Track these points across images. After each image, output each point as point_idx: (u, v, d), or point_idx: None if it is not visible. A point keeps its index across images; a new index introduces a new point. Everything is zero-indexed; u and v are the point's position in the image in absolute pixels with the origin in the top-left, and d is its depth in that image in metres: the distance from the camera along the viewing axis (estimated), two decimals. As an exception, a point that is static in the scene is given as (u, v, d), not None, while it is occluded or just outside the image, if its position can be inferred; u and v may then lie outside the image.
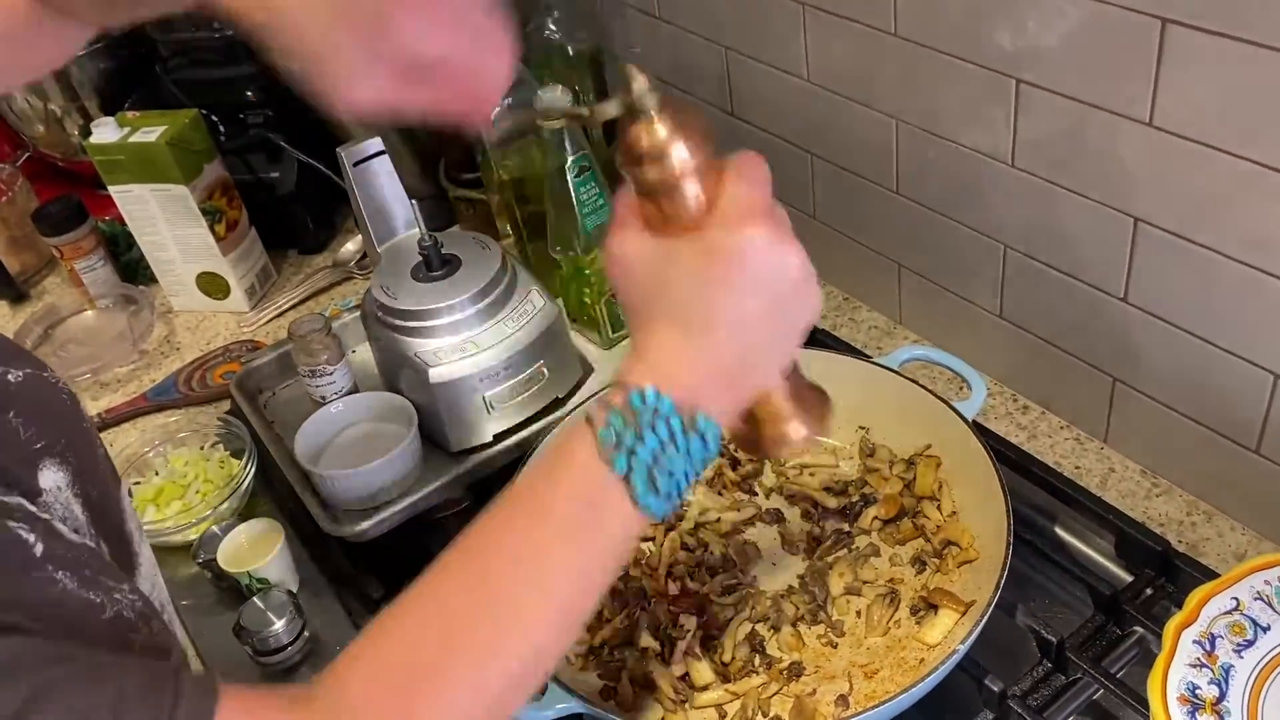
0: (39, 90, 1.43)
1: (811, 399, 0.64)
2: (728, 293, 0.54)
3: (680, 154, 0.54)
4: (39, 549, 0.48)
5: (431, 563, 0.53)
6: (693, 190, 0.55)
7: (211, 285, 1.32)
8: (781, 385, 0.61)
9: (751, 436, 0.62)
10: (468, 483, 1.01)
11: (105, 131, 1.24)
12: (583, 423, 0.53)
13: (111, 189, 1.26)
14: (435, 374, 0.97)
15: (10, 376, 0.57)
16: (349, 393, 1.04)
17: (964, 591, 0.80)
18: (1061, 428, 1.00)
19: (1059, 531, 0.90)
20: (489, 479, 1.01)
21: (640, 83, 0.54)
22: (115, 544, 0.60)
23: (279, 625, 0.91)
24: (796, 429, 0.62)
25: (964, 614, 0.78)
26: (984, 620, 0.72)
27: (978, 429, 0.85)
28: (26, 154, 1.53)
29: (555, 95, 0.98)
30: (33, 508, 0.51)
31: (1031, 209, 0.91)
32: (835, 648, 0.80)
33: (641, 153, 0.54)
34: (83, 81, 1.43)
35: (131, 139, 1.22)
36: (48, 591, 0.47)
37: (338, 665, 0.51)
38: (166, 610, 0.68)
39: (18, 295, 1.44)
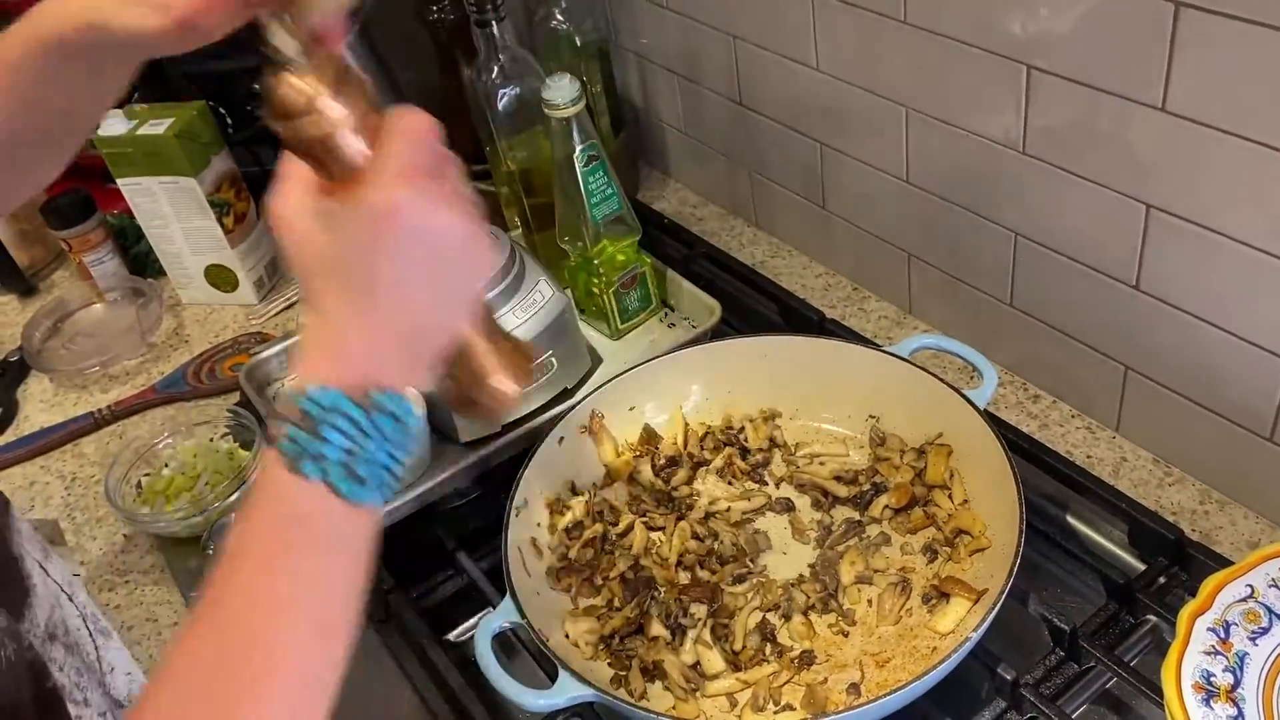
0: (47, 84, 1.43)
1: (511, 351, 0.63)
2: (383, 256, 0.52)
3: (328, 107, 0.51)
4: None
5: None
6: (349, 146, 0.52)
7: (220, 278, 1.32)
8: (479, 344, 0.60)
9: (466, 400, 0.62)
10: (477, 473, 1.01)
11: (113, 124, 1.24)
12: (267, 448, 0.51)
13: (120, 181, 1.26)
14: (444, 364, 0.97)
15: None
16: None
17: (976, 580, 0.80)
18: (1073, 416, 1.00)
19: (1071, 520, 0.90)
20: (498, 469, 1.01)
21: (279, 35, 0.52)
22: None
23: (289, 615, 0.91)
24: (503, 383, 0.61)
25: (976, 602, 0.78)
26: (997, 608, 0.72)
27: (989, 417, 0.85)
28: (34, 148, 1.53)
29: (564, 85, 0.97)
30: None
31: (1042, 196, 0.90)
32: (846, 636, 0.80)
33: (286, 107, 0.51)
34: (90, 75, 1.43)
35: (139, 131, 1.22)
36: None
37: None
38: (75, 632, 0.69)
39: (27, 289, 1.44)
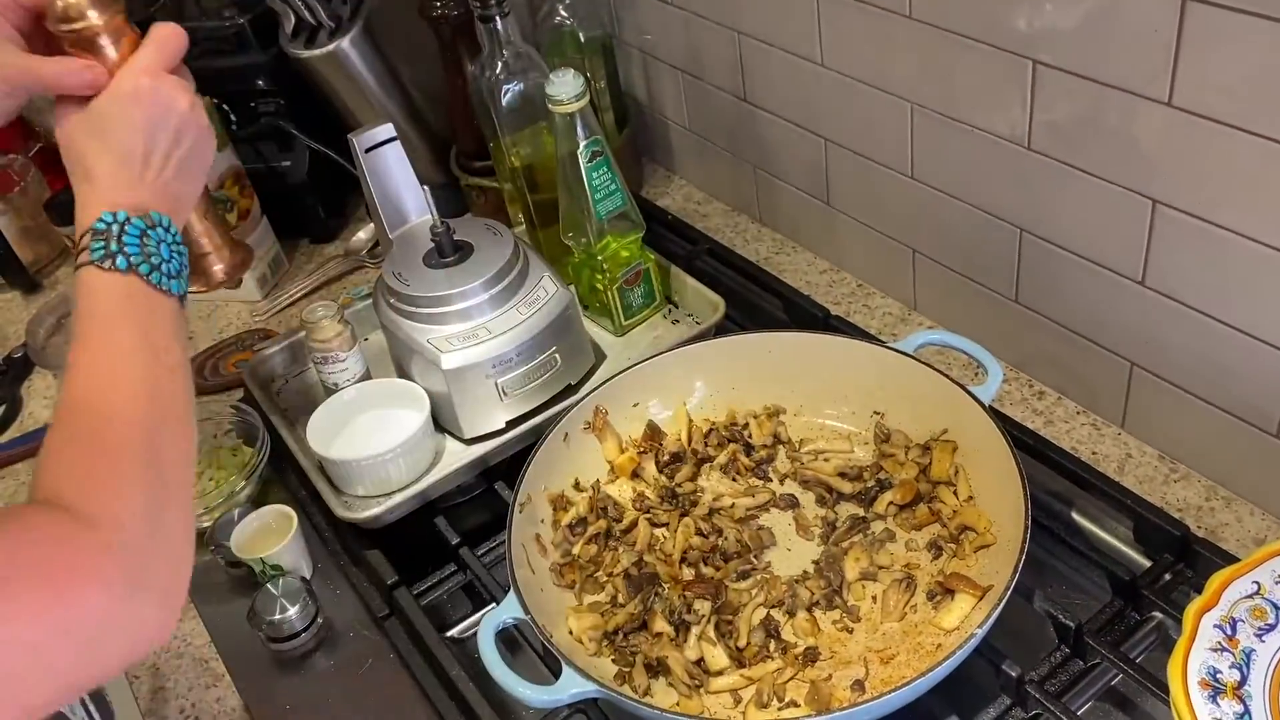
0: (51, 80, 1.43)
1: (234, 247, 0.83)
2: (134, 126, 0.67)
3: (92, 15, 0.70)
4: None
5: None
6: (106, 47, 0.71)
7: (223, 274, 1.32)
8: (196, 224, 0.78)
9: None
10: (480, 469, 1.01)
11: (117, 120, 1.23)
12: (78, 270, 0.64)
13: (123, 178, 1.26)
14: (447, 360, 0.97)
15: None
16: (361, 379, 1.04)
17: (981, 576, 0.79)
18: (1078, 413, 1.00)
19: (1076, 517, 0.89)
20: (500, 466, 1.01)
21: None
22: None
23: (292, 612, 0.91)
24: (214, 265, 0.81)
25: (981, 599, 0.77)
26: (1002, 604, 0.72)
27: (994, 414, 0.84)
28: (39, 145, 1.53)
29: (568, 80, 0.97)
30: None
31: (1048, 192, 0.90)
32: (851, 633, 0.80)
33: (65, 15, 0.71)
34: (94, 71, 1.43)
35: (143, 127, 1.22)
36: None
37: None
38: None
39: (31, 285, 1.44)
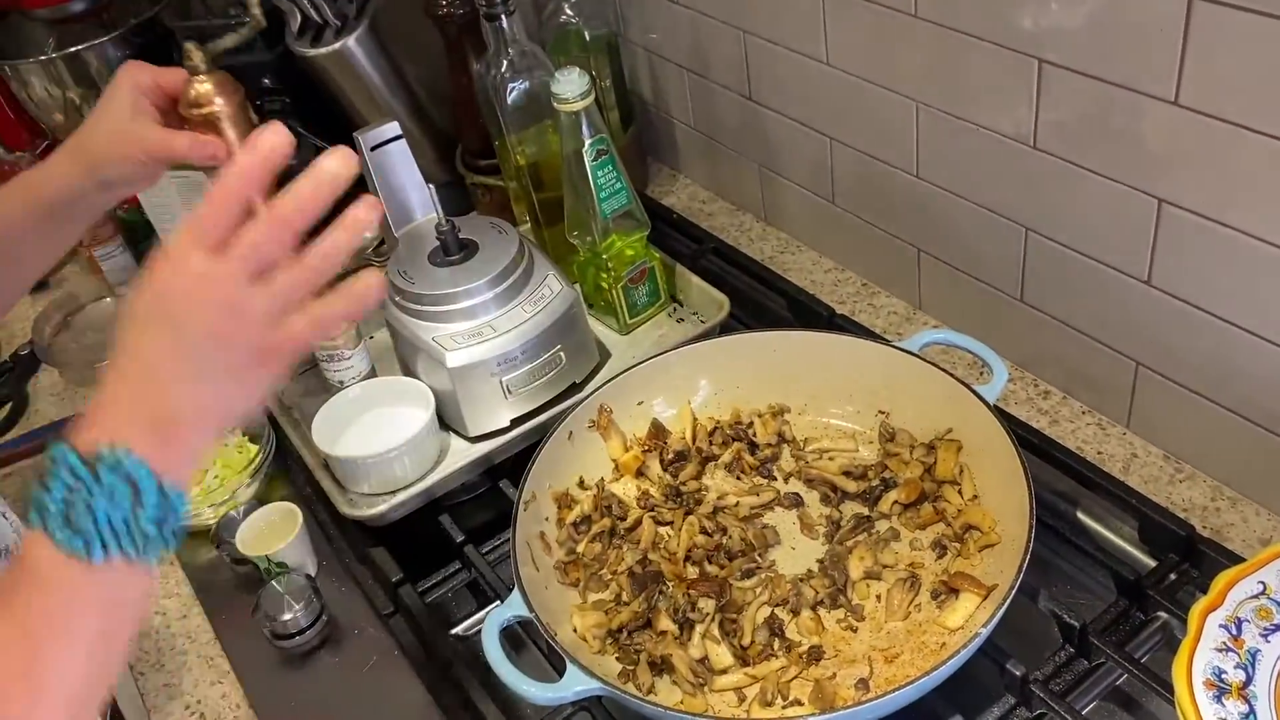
0: (57, 79, 1.43)
1: None
2: (135, 319, 0.54)
3: (218, 101, 0.81)
4: None
5: None
6: (230, 128, 0.82)
7: (229, 272, 1.32)
8: None
9: None
10: (485, 467, 1.01)
11: (123, 118, 1.24)
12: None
13: (130, 176, 1.26)
14: (452, 358, 0.97)
15: None
16: (366, 377, 1.04)
17: (985, 576, 0.79)
18: (1083, 413, 0.99)
19: (1081, 517, 0.89)
20: (505, 464, 1.01)
21: (193, 55, 0.81)
22: None
23: (298, 609, 0.91)
24: None
25: (985, 598, 0.77)
26: (1007, 603, 0.72)
27: (999, 413, 0.84)
28: (46, 142, 1.53)
29: (573, 78, 0.97)
30: None
31: (1053, 191, 0.90)
32: (855, 632, 0.80)
33: (191, 99, 0.81)
34: (100, 70, 1.43)
35: (149, 125, 1.22)
36: None
37: None
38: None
39: (37, 284, 1.44)
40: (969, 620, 0.77)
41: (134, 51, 1.44)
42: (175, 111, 0.84)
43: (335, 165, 0.56)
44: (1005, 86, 0.89)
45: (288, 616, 0.91)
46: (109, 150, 0.81)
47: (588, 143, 1.00)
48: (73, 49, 1.41)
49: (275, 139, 0.55)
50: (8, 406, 1.25)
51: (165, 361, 0.53)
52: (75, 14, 1.42)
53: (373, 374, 1.05)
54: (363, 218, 0.58)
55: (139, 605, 0.55)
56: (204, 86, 0.85)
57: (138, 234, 1.40)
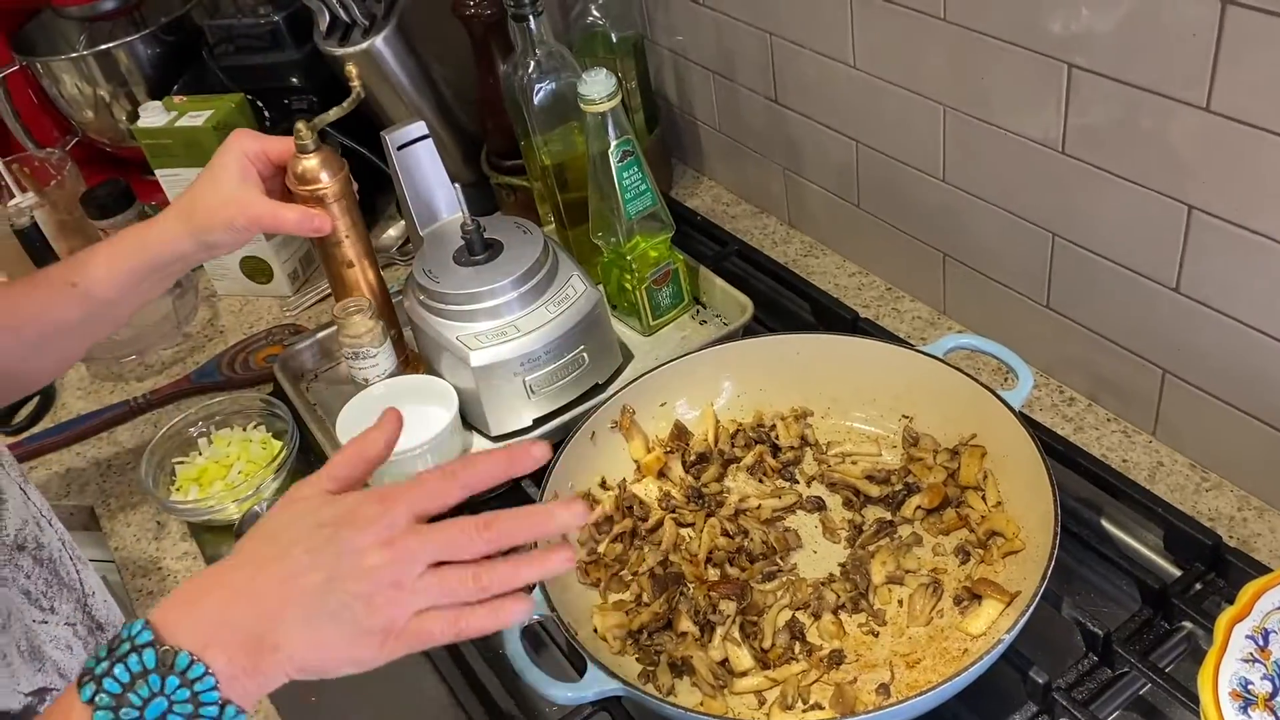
0: (88, 76, 1.45)
1: None
2: (262, 535, 0.55)
3: (324, 177, 0.94)
4: None
5: None
6: (334, 202, 0.95)
7: (255, 270, 1.33)
8: None
9: None
10: (507, 467, 1.01)
11: (153, 115, 1.25)
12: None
13: (158, 172, 1.28)
14: (476, 357, 0.98)
15: None
16: (391, 375, 1.05)
17: (1009, 582, 0.79)
18: (1108, 420, 0.99)
19: (1105, 525, 0.89)
20: (528, 463, 1.01)
21: (303, 133, 0.92)
22: None
23: (319, 604, 0.92)
24: None
25: (1009, 604, 0.77)
26: (1031, 610, 0.71)
27: (1024, 419, 0.84)
28: (75, 139, 1.55)
29: (600, 79, 0.97)
30: None
31: (1081, 197, 0.89)
32: (876, 636, 0.80)
33: (299, 175, 0.93)
34: (130, 67, 1.45)
35: (179, 123, 1.24)
36: None
37: None
38: (52, 550, 0.76)
39: (65, 278, 1.45)
40: (991, 627, 0.77)
41: (164, 49, 1.46)
42: (279, 178, 0.93)
43: (568, 519, 0.57)
44: (1034, 91, 0.88)
45: (309, 612, 0.92)
46: (218, 217, 0.88)
47: (613, 144, 1.00)
48: (103, 46, 1.43)
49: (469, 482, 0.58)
50: (35, 400, 1.26)
51: (283, 586, 0.53)
52: (106, 12, 1.44)
53: (397, 372, 1.06)
54: (557, 568, 0.58)
55: None
56: (311, 163, 0.94)
57: (165, 230, 1.41)
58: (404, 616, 0.53)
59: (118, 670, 0.50)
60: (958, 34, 0.92)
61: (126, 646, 0.50)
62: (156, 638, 0.51)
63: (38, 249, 1.41)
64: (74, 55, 1.44)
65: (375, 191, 1.44)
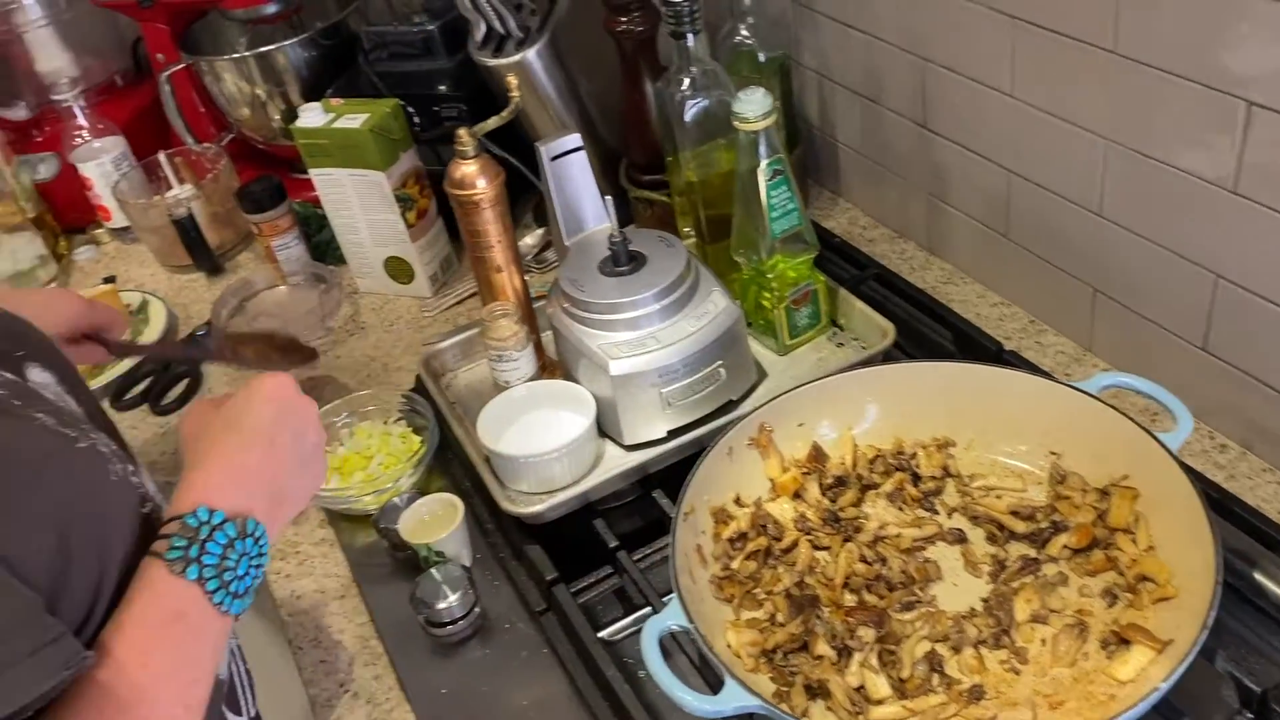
0: (247, 75, 1.51)
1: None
2: (264, 419, 0.70)
3: (481, 186, 1.01)
4: (17, 401, 0.62)
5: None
6: (489, 213, 1.02)
7: (398, 270, 1.37)
8: None
9: None
10: (638, 476, 1.02)
11: (311, 116, 1.30)
12: (149, 556, 0.61)
13: (312, 171, 1.32)
14: (615, 366, 0.99)
15: None
16: (531, 379, 1.07)
17: (1159, 629, 0.77)
18: (1264, 470, 0.95)
19: (1259, 578, 0.85)
20: (659, 474, 1.02)
21: (464, 139, 0.98)
22: (113, 438, 0.70)
23: (453, 599, 0.94)
24: None
25: (1160, 652, 0.75)
26: (1189, 660, 0.69)
27: (1183, 463, 0.81)
28: (230, 135, 1.62)
29: (756, 98, 0.98)
30: (13, 376, 0.65)
31: (1252, 239, 0.87)
32: (1018, 674, 0.78)
33: (459, 181, 1.01)
34: (287, 69, 1.51)
35: (336, 124, 1.28)
36: (25, 427, 0.60)
37: None
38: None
39: (215, 268, 1.52)
40: (1141, 674, 0.75)
41: (320, 53, 1.51)
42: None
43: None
44: (1206, 127, 0.86)
45: (443, 605, 0.94)
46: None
47: (764, 162, 1.01)
48: (264, 49, 1.49)
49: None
50: (185, 382, 1.32)
51: (277, 451, 0.69)
52: (268, 15, 1.50)
53: (537, 376, 1.07)
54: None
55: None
56: (470, 169, 0.97)
57: (311, 226, 1.46)
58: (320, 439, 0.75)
59: (210, 547, 0.61)
60: (1126, 66, 0.90)
61: (206, 529, 0.61)
62: (228, 514, 0.63)
63: (192, 238, 1.48)
64: (236, 56, 1.51)
65: (513, 200, 1.47)
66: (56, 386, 0.70)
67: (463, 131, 0.95)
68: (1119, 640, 0.77)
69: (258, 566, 0.64)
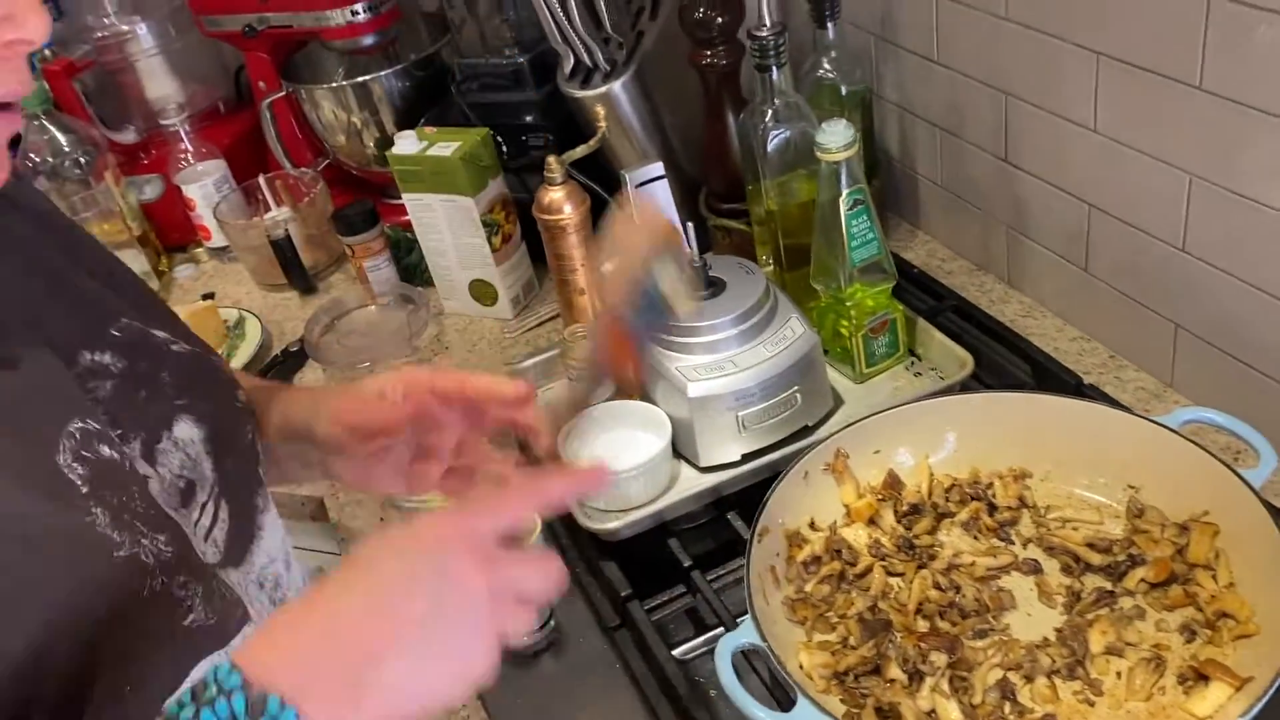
0: (344, 104, 1.57)
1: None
2: (392, 576, 0.51)
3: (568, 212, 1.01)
4: (85, 488, 0.55)
5: None
6: (573, 238, 1.04)
7: (482, 292, 1.41)
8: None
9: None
10: (713, 498, 1.04)
11: (406, 144, 1.35)
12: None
13: (405, 196, 1.37)
14: (693, 389, 1.01)
15: (175, 348, 0.69)
16: (609, 399, 1.09)
17: (1239, 667, 0.76)
18: (1351, 513, 0.93)
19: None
20: (733, 497, 1.03)
21: (554, 167, 0.97)
22: (237, 505, 0.68)
23: (530, 611, 0.96)
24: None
25: (1239, 689, 0.74)
26: (1268, 697, 0.68)
27: (1265, 501, 0.81)
28: (326, 161, 1.68)
29: (839, 129, 1.00)
30: (125, 447, 0.60)
31: (1340, 275, 0.86)
32: (1093, 706, 0.78)
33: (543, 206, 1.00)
34: (382, 98, 1.57)
35: (429, 152, 1.33)
36: (73, 519, 0.54)
37: None
38: (270, 584, 0.73)
39: (309, 287, 1.58)
40: (1219, 711, 0.74)
41: (413, 83, 1.57)
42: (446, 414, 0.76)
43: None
44: (1294, 164, 0.86)
45: (520, 617, 0.96)
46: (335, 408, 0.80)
47: (845, 192, 1.02)
48: (361, 79, 1.55)
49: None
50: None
51: (390, 621, 0.50)
52: (365, 47, 1.57)
53: (615, 397, 1.10)
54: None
55: None
56: (557, 194, 1.01)
57: (400, 250, 1.51)
58: (489, 614, 0.52)
59: (204, 716, 0.47)
60: (1213, 102, 0.90)
61: (213, 690, 0.47)
62: (245, 681, 0.47)
63: (288, 258, 1.54)
64: (334, 85, 1.58)
65: (595, 229, 1.50)
66: (199, 445, 0.66)
67: (552, 159, 0.98)
68: (1197, 676, 0.77)
69: None
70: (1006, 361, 1.13)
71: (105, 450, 0.59)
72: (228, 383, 0.74)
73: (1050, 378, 1.07)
